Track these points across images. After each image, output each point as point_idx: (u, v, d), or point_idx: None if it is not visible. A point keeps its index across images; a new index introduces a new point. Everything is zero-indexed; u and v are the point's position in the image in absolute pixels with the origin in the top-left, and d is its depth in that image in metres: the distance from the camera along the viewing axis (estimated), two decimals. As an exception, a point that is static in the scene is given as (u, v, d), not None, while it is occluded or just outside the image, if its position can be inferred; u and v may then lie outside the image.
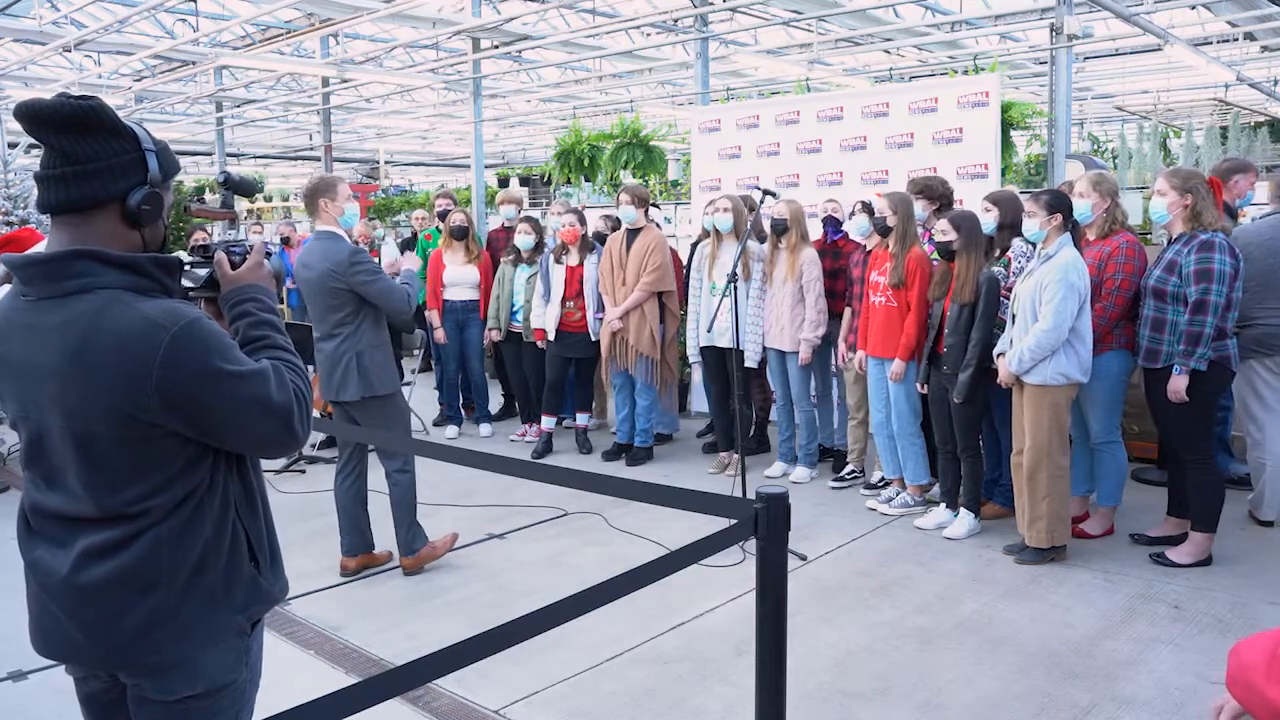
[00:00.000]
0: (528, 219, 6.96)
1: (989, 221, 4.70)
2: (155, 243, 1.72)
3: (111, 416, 1.58)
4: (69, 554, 1.66)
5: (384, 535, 4.58)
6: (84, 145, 1.60)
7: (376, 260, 4.35)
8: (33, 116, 1.59)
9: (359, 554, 4.48)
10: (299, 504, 5.62)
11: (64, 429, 1.62)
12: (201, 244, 1.91)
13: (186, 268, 1.81)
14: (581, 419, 6.75)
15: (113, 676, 1.74)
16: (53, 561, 1.68)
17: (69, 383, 1.59)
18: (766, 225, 5.76)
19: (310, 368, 7.91)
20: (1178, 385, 4.15)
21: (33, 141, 1.64)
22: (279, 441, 1.70)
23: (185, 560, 1.66)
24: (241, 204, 19.97)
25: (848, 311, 5.56)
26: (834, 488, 5.62)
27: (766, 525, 1.79)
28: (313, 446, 6.77)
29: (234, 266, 1.84)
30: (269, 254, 1.90)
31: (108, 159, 1.62)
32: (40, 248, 2.30)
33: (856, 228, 5.38)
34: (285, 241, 10.78)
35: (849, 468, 5.70)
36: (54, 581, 1.67)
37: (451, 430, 7.19)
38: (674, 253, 6.48)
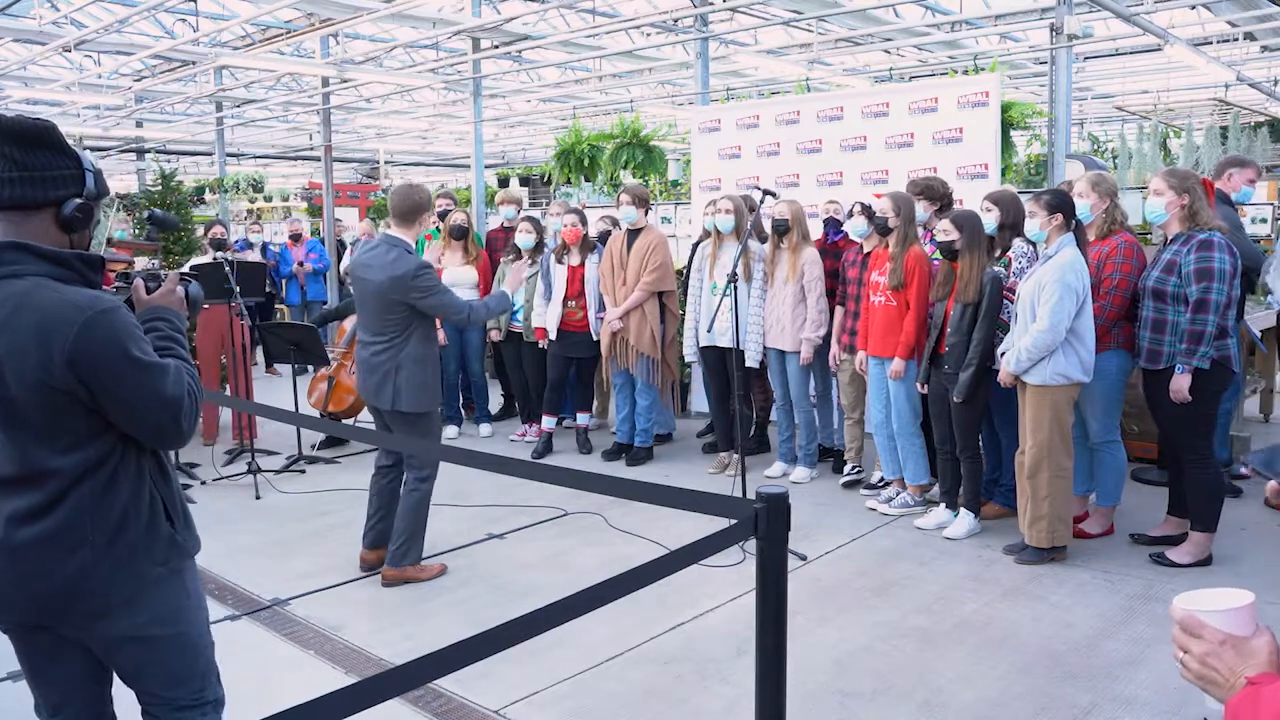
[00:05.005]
0: (528, 218, 6.96)
1: (990, 221, 4.70)
2: (81, 248, 1.97)
3: (26, 380, 1.82)
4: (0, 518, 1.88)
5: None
6: (34, 156, 1.87)
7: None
8: None
9: (380, 548, 4.50)
10: (299, 504, 5.62)
11: None
12: (122, 272, 2.21)
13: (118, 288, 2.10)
14: (582, 419, 6.75)
15: (46, 627, 1.96)
16: None
17: None
18: (767, 225, 5.76)
19: (311, 368, 7.96)
20: (1180, 384, 4.15)
21: None
22: (166, 432, 1.94)
23: (106, 521, 1.91)
24: (240, 204, 19.98)
25: (839, 311, 5.57)
26: (845, 485, 5.63)
27: (766, 525, 1.78)
28: (312, 447, 6.77)
29: (149, 293, 2.13)
30: (187, 282, 2.19)
31: (53, 170, 1.89)
32: None
33: (855, 229, 5.38)
34: (295, 239, 10.97)
35: (851, 465, 5.70)
36: None
37: (451, 430, 7.18)
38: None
